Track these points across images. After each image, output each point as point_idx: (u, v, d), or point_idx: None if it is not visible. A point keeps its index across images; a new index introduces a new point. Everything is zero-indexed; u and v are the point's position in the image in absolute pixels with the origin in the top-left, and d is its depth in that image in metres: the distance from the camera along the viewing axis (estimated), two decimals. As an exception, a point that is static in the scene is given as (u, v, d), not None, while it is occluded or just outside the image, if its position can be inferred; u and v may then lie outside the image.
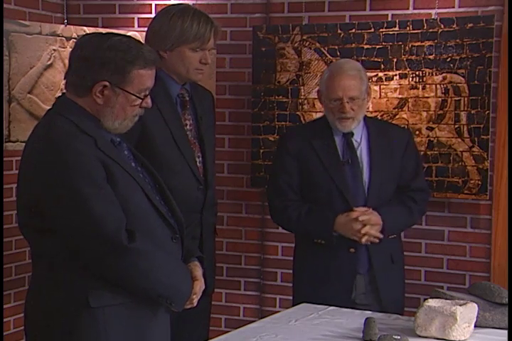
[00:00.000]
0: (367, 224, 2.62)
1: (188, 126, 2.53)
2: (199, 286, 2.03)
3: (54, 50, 3.46)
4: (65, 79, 1.97)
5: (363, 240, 2.63)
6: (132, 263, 1.88)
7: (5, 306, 3.69)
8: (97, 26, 3.85)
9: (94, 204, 1.84)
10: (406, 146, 2.81)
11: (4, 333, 3.72)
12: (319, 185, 2.73)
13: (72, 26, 3.59)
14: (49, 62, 3.45)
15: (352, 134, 2.75)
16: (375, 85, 3.57)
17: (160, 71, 2.43)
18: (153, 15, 3.84)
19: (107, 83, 1.89)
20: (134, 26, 3.90)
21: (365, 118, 2.84)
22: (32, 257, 2.05)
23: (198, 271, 2.06)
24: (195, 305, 2.03)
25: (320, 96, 2.82)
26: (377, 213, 2.66)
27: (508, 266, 2.81)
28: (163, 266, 1.93)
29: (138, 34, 3.67)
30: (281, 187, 2.79)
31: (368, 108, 3.65)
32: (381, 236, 2.65)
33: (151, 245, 1.92)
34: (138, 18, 3.91)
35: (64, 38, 3.50)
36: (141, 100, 1.95)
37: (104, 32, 2.00)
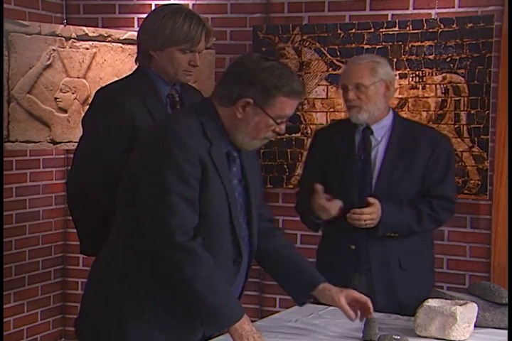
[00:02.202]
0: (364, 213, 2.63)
1: None
2: None
3: (53, 50, 3.45)
4: (214, 88, 2.06)
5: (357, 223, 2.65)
6: (179, 262, 1.92)
7: (5, 306, 3.69)
8: (97, 26, 3.85)
9: (173, 198, 1.91)
10: (433, 150, 2.72)
11: (4, 333, 3.72)
12: (332, 180, 2.76)
13: (71, 26, 3.59)
14: (48, 62, 3.45)
15: (371, 131, 2.74)
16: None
17: (149, 71, 2.42)
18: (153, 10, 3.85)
19: (251, 100, 1.97)
20: (133, 26, 3.90)
21: (397, 118, 2.79)
22: (112, 229, 2.12)
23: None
24: None
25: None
26: (379, 208, 2.64)
27: (508, 266, 2.81)
28: (210, 281, 1.94)
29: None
30: (302, 180, 2.91)
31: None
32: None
33: (206, 254, 1.94)
34: (138, 18, 3.91)
35: (63, 38, 3.49)
36: (276, 125, 2.01)
37: (261, 55, 2.09)
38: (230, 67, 2.06)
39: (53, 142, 3.51)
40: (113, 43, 3.64)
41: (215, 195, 1.97)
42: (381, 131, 2.74)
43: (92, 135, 2.41)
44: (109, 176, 2.37)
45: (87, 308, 2.12)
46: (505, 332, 2.26)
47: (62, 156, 4.05)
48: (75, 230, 4.05)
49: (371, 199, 2.65)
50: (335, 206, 2.64)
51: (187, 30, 2.36)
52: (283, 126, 2.03)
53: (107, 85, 2.53)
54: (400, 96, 3.54)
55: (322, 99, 3.66)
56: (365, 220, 2.64)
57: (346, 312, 2.15)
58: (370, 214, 2.64)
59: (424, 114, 3.51)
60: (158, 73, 2.42)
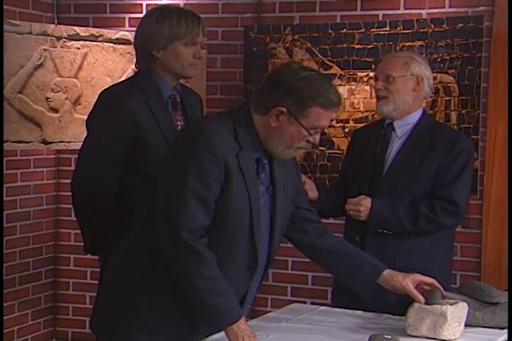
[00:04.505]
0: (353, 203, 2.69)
1: (179, 127, 2.54)
2: None
3: (44, 49, 3.44)
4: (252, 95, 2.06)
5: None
6: (183, 260, 1.93)
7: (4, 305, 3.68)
8: (88, 26, 3.84)
9: (187, 195, 1.92)
10: (450, 151, 2.67)
11: (4, 332, 3.71)
12: (350, 173, 2.84)
13: (62, 26, 3.58)
14: (39, 62, 3.44)
15: (393, 128, 2.74)
16: (366, 85, 3.58)
17: (152, 72, 2.47)
18: (144, 14, 3.84)
19: (284, 109, 1.96)
20: (124, 26, 3.89)
21: (424, 117, 2.77)
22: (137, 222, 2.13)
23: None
24: None
25: None
26: (367, 201, 2.67)
27: (508, 267, 2.79)
28: (211, 281, 1.94)
29: (129, 34, 3.67)
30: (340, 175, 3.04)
31: (359, 108, 3.68)
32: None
33: (210, 255, 1.95)
34: (129, 18, 3.90)
35: (54, 38, 3.49)
36: (310, 135, 2.00)
37: (302, 65, 2.10)
38: (269, 75, 2.06)
39: (45, 142, 3.50)
40: (104, 43, 3.63)
41: (236, 198, 1.96)
42: (404, 128, 2.73)
43: (95, 135, 2.45)
44: (113, 176, 2.43)
45: (98, 308, 2.13)
46: (495, 331, 2.27)
47: (53, 156, 4.04)
48: (66, 230, 4.09)
49: (361, 196, 2.68)
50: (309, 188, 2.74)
51: (185, 24, 2.42)
52: (317, 137, 2.02)
53: (110, 87, 2.58)
54: (391, 96, 3.54)
55: (313, 98, 3.66)
56: (350, 211, 2.67)
57: (415, 296, 2.20)
58: (355, 205, 2.66)
59: (415, 113, 3.51)
60: (163, 73, 2.47)
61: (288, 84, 1.96)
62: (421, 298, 2.20)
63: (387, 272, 2.23)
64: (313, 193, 2.79)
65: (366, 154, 2.78)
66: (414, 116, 2.74)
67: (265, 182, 2.06)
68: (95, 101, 2.50)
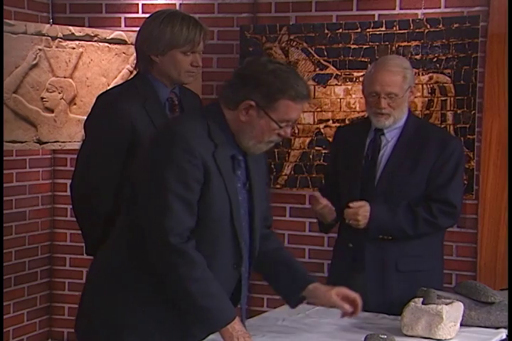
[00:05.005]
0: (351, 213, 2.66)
1: None
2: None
3: (39, 49, 3.44)
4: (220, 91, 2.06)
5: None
6: (173, 263, 1.92)
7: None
8: (84, 26, 3.84)
9: (170, 198, 1.91)
10: (442, 153, 2.67)
11: (4, 332, 3.70)
12: (340, 178, 2.80)
13: (57, 26, 3.58)
14: (34, 62, 3.43)
15: (382, 132, 2.72)
16: (362, 85, 3.58)
17: (149, 76, 2.48)
18: (140, 14, 3.84)
19: (253, 103, 1.96)
20: (120, 26, 3.88)
21: (411, 118, 2.76)
22: (119, 222, 2.13)
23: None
24: None
25: (363, 90, 2.80)
26: (365, 210, 2.64)
27: (508, 267, 2.78)
28: (202, 283, 1.94)
29: (124, 34, 3.67)
30: (325, 177, 3.07)
31: (355, 108, 3.68)
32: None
33: (200, 256, 1.94)
34: (125, 18, 3.90)
35: (49, 38, 3.48)
36: (280, 128, 1.99)
37: (269, 58, 2.11)
38: (237, 69, 2.05)
39: (40, 142, 3.49)
40: (99, 43, 3.62)
41: (216, 197, 1.96)
42: (393, 132, 2.72)
43: (94, 138, 2.47)
44: (112, 178, 2.44)
45: (81, 309, 2.12)
46: (491, 330, 2.28)
47: (49, 156, 4.03)
48: (61, 230, 4.09)
49: (360, 202, 2.65)
50: (330, 211, 2.70)
51: (186, 32, 2.43)
52: (288, 130, 2.01)
53: (107, 90, 2.59)
54: (387, 96, 3.54)
55: (309, 98, 3.66)
56: (349, 219, 2.65)
57: (339, 305, 2.14)
58: (354, 214, 2.64)
59: (411, 113, 3.52)
60: (160, 77, 2.49)
61: (256, 78, 1.95)
62: (347, 307, 2.13)
63: (312, 285, 2.17)
64: (333, 216, 2.73)
65: (354, 159, 2.74)
66: (403, 119, 2.72)
67: (242, 178, 2.06)
68: (93, 104, 2.52)
